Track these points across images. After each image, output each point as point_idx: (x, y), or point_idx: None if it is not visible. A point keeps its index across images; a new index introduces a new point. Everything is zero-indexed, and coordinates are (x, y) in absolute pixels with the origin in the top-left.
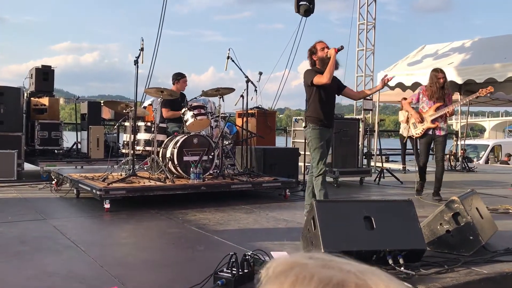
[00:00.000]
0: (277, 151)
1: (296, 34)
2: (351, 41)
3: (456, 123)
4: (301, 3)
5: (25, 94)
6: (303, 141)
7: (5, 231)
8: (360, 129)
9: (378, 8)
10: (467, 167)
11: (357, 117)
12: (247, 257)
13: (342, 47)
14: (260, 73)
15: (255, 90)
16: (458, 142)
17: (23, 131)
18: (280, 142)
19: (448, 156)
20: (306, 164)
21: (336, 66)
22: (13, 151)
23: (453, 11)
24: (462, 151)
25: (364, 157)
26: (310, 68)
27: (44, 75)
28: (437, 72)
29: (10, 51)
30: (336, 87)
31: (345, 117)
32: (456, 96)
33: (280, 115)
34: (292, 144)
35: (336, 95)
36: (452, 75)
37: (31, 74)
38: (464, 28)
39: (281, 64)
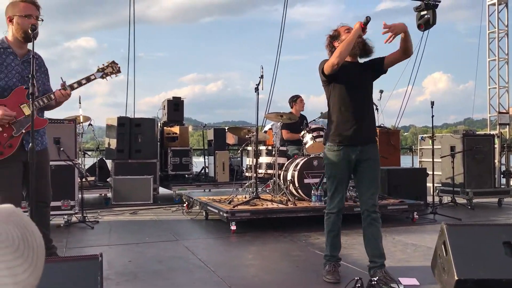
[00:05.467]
0: (402, 171)
1: (418, 47)
2: (481, 51)
3: None
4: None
5: (159, 124)
6: (431, 160)
7: (144, 251)
8: (496, 146)
9: (511, 14)
10: None
11: (491, 132)
12: (373, 282)
13: (368, 18)
14: (381, 91)
15: (376, 109)
16: None
17: (158, 158)
18: (406, 162)
19: None
20: (435, 184)
21: (367, 49)
22: (150, 176)
23: None
24: None
25: (502, 176)
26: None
27: (175, 106)
28: None
29: (145, 85)
30: (370, 74)
31: (477, 133)
32: None
33: (405, 133)
34: (419, 164)
35: (370, 92)
36: None
37: (164, 106)
38: None
39: (403, 79)
